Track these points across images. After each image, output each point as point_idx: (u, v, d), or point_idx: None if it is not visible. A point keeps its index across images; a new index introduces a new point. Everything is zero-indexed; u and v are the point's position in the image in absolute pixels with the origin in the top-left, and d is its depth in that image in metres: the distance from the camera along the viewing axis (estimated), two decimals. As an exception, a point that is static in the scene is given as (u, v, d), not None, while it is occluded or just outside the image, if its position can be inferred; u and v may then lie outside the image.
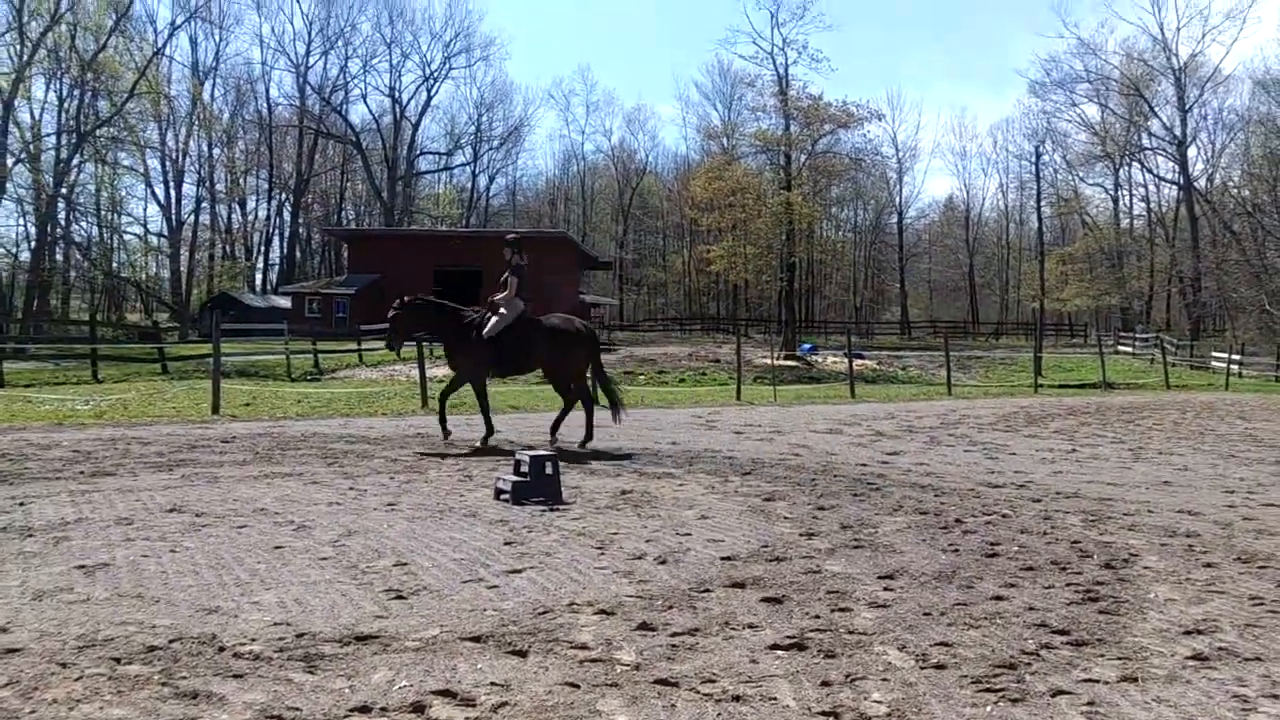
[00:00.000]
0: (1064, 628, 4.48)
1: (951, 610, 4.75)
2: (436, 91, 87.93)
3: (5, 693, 3.49)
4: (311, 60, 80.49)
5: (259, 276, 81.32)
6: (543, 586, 5.09)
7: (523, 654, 4.01)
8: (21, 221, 59.50)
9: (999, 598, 5.00)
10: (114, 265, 67.94)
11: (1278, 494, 9.05)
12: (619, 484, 8.74)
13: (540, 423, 14.86)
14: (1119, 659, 4.07)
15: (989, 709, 3.53)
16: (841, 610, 4.73)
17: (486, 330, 11.70)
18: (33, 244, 54.66)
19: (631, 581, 5.23)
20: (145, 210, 73.28)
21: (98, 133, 52.86)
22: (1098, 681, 3.80)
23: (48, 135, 53.66)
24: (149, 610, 4.53)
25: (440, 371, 28.69)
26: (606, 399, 12.58)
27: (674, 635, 4.28)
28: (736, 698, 3.58)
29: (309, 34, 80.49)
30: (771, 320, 65.82)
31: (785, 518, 7.22)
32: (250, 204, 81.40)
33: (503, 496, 7.63)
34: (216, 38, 74.62)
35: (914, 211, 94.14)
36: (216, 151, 73.56)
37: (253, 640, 4.10)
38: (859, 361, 33.21)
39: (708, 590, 5.07)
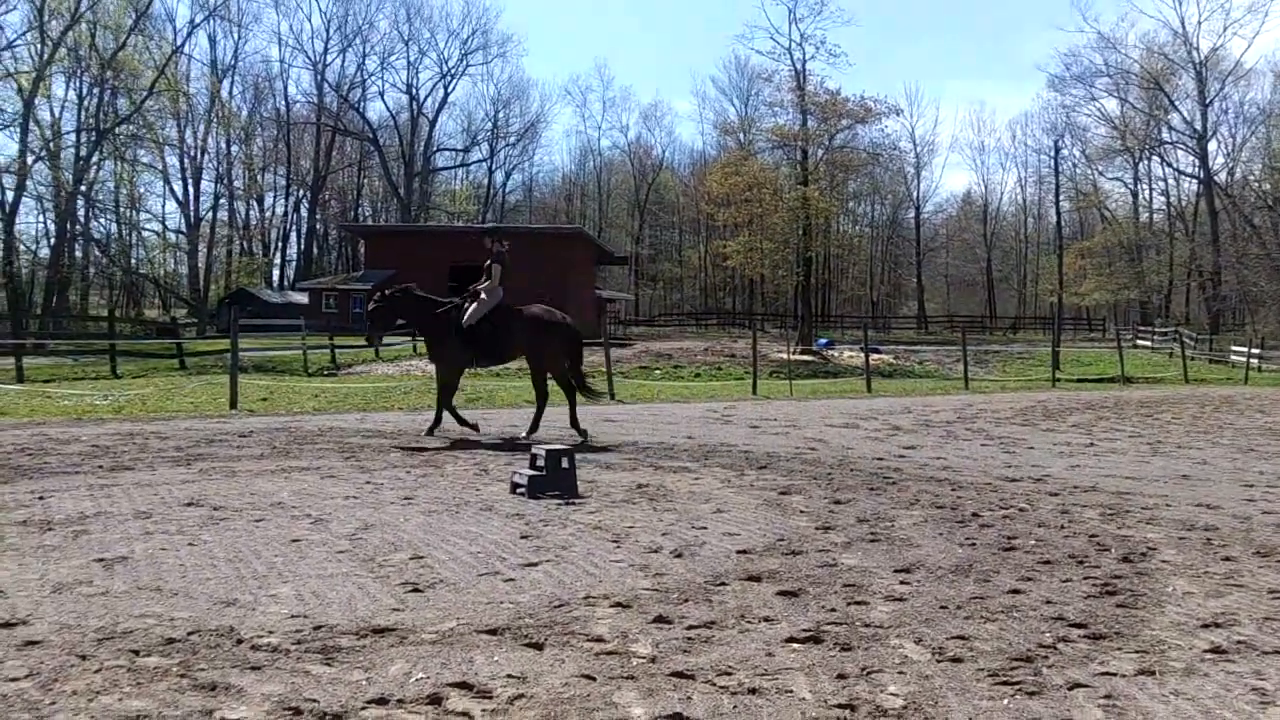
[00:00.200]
0: (1081, 621, 4.46)
1: (968, 604, 4.74)
2: (454, 88, 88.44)
3: (26, 684, 3.51)
4: (329, 58, 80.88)
5: (276, 272, 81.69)
6: (559, 580, 5.10)
7: (539, 646, 4.02)
8: (41, 218, 59.97)
9: (1016, 591, 4.99)
10: (133, 261, 68.32)
11: (1298, 488, 8.99)
12: (635, 478, 8.75)
13: (554, 417, 14.88)
14: (1137, 652, 4.05)
15: (1006, 702, 3.52)
16: (858, 603, 4.72)
17: (466, 318, 11.71)
18: (52, 241, 55.00)
19: (647, 575, 5.24)
20: (164, 207, 73.95)
21: (117, 130, 53.11)
22: (1115, 675, 3.79)
23: (68, 133, 53.98)
24: (167, 603, 4.56)
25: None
26: (580, 391, 12.50)
27: (690, 628, 4.28)
28: (752, 690, 3.58)
29: (327, 32, 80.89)
30: (787, 315, 65.76)
31: (801, 511, 7.22)
32: (268, 200, 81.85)
33: (519, 490, 7.64)
34: (235, 36, 75.07)
35: (931, 206, 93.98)
36: (235, 148, 73.93)
37: (270, 633, 4.12)
38: (875, 356, 33.15)
39: (723, 583, 5.07)
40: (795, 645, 4.08)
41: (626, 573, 5.28)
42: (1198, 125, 65.30)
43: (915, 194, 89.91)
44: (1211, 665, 3.92)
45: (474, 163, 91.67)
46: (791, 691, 3.58)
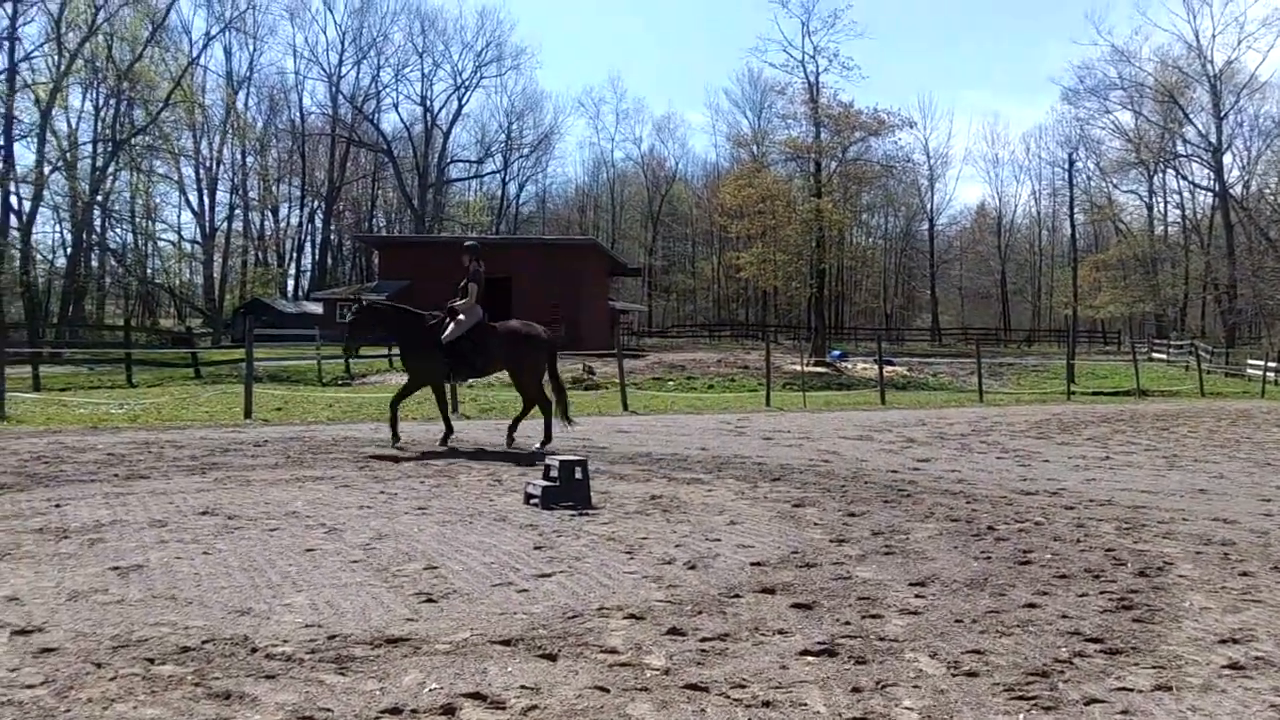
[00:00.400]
0: (1097, 636, 4.44)
1: (984, 617, 4.71)
2: (467, 100, 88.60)
3: (41, 691, 3.52)
4: (344, 70, 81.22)
5: (291, 283, 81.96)
6: (572, 591, 5.10)
7: (552, 658, 4.01)
8: (58, 228, 60.35)
9: (1032, 605, 4.96)
10: (148, 271, 68.60)
11: (1316, 503, 8.93)
12: (648, 489, 8.74)
13: (568, 427, 14.89)
14: (1153, 668, 4.03)
15: (1021, 717, 3.50)
16: (872, 617, 4.70)
17: (445, 336, 11.81)
18: (69, 250, 55.29)
19: (661, 586, 5.23)
20: (179, 217, 74.01)
21: (133, 141, 53.40)
22: (1132, 690, 3.76)
23: (84, 144, 54.29)
24: (182, 611, 4.57)
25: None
26: (556, 403, 12.50)
27: (704, 640, 4.27)
28: (767, 703, 3.57)
29: (342, 44, 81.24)
30: (801, 326, 65.71)
31: (815, 524, 7.20)
32: (283, 211, 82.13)
33: (532, 501, 7.64)
34: (250, 48, 75.40)
35: (945, 218, 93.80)
36: (250, 159, 74.20)
37: (285, 642, 4.13)
38: (889, 368, 33.07)
39: (737, 596, 5.06)
40: (809, 658, 4.06)
41: (640, 584, 5.27)
42: (1213, 138, 65.10)
43: (929, 206, 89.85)
44: (1229, 681, 3.89)
45: (487, 174, 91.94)
46: (806, 705, 3.56)
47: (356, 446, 11.69)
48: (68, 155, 51.00)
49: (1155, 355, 51.66)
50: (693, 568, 5.66)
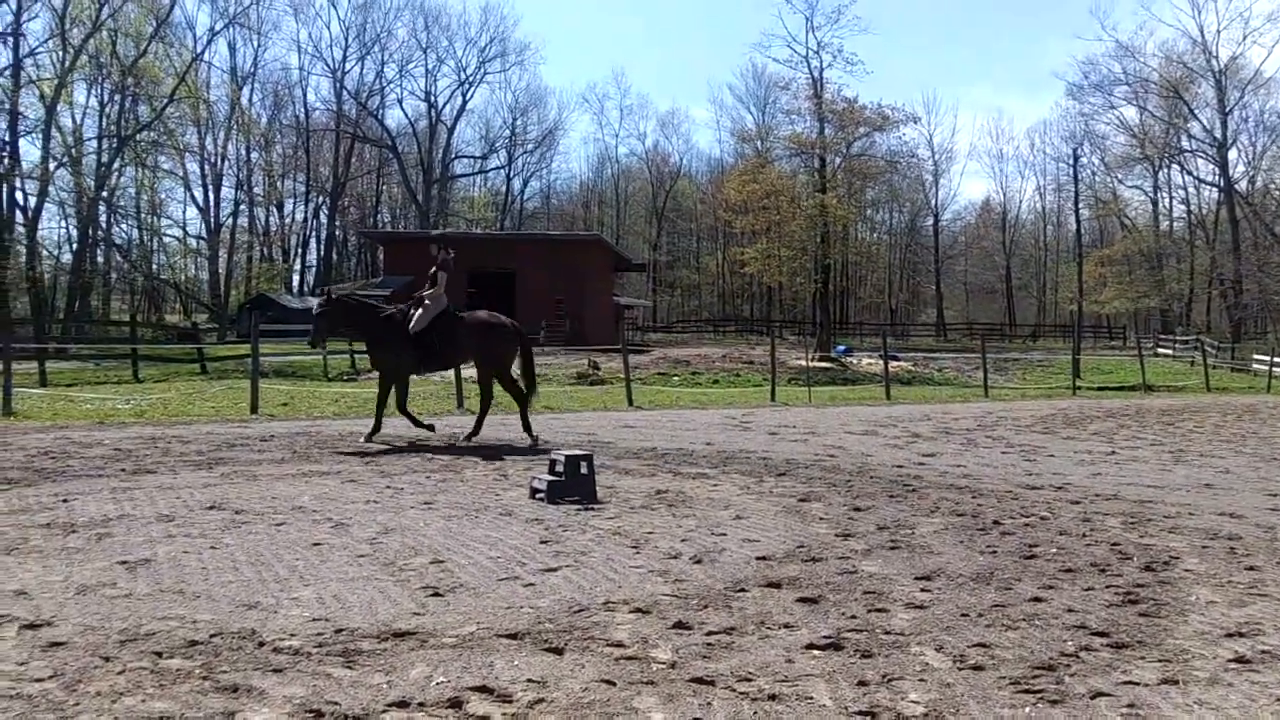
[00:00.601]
0: (1104, 630, 4.44)
1: (989, 611, 4.72)
2: (471, 96, 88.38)
3: (51, 685, 3.54)
4: (348, 65, 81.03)
5: (296, 278, 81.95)
6: (578, 585, 5.11)
7: (559, 651, 4.02)
8: (64, 224, 60.25)
9: (1038, 599, 4.96)
10: (154, 267, 68.60)
11: (1322, 497, 8.92)
12: (654, 484, 8.75)
13: (574, 422, 14.90)
14: (1160, 661, 4.03)
15: (1027, 710, 3.50)
16: (878, 611, 4.71)
17: (412, 325, 11.79)
18: (74, 246, 55.29)
19: (667, 580, 5.24)
20: (184, 213, 74.03)
21: (138, 137, 53.37)
22: (1138, 684, 3.77)
23: (89, 140, 54.21)
24: (190, 605, 4.58)
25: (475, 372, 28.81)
26: (524, 394, 12.57)
27: (710, 634, 4.28)
28: (773, 697, 3.57)
29: (346, 39, 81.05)
30: (806, 322, 65.70)
31: (821, 518, 7.20)
32: (288, 207, 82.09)
33: (538, 495, 7.66)
34: (255, 43, 75.23)
35: (950, 214, 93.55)
36: (255, 155, 74.13)
37: (292, 635, 4.14)
38: (894, 363, 33.03)
39: (743, 590, 5.07)
40: (816, 652, 4.07)
41: (646, 578, 5.28)
42: (1218, 133, 64.89)
43: (934, 201, 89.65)
44: (1235, 675, 3.90)
45: (492, 170, 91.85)
46: (812, 698, 3.57)
47: (362, 441, 11.69)
48: (73, 151, 50.98)
49: (1161, 350, 51.56)
50: (698, 562, 5.67)
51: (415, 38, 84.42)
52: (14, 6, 46.04)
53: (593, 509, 7.35)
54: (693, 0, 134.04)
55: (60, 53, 48.96)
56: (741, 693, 3.60)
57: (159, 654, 3.88)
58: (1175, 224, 75.28)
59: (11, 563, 5.35)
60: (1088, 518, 7.44)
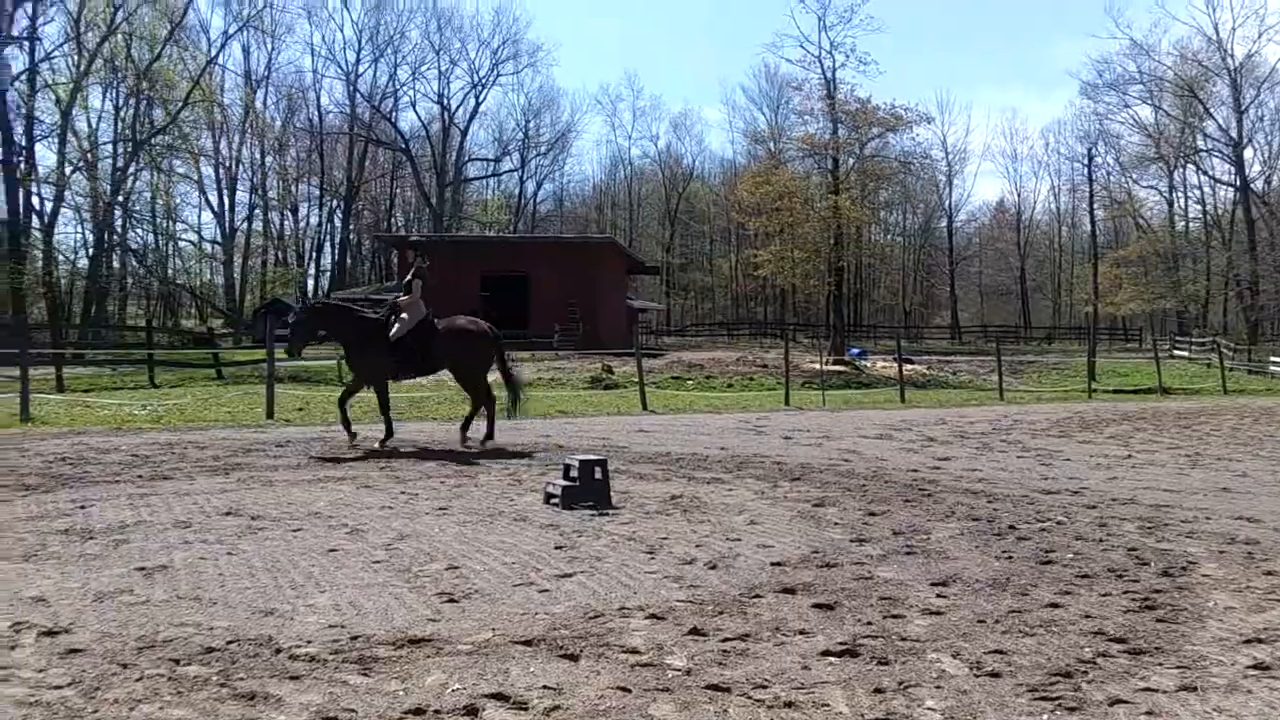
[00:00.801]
0: (1121, 636, 4.42)
1: (1006, 618, 4.70)
2: (484, 98, 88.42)
3: (69, 692, 3.56)
4: (361, 68, 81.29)
5: (311, 282, 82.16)
6: (593, 591, 5.11)
7: (574, 658, 4.03)
8: (80, 229, 60.53)
9: (1054, 605, 4.94)
10: (169, 272, 68.91)
11: (1341, 501, 8.86)
12: (668, 489, 8.75)
13: (588, 427, 14.91)
14: (1178, 668, 4.01)
15: (1045, 718, 3.49)
16: (894, 617, 4.69)
17: (392, 334, 11.82)
18: (90, 251, 55.60)
19: (682, 586, 5.23)
20: (199, 217, 74.12)
21: (153, 141, 53.63)
22: (1156, 690, 3.75)
23: (104, 144, 54.47)
24: (207, 612, 4.60)
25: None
26: (509, 397, 12.75)
27: (725, 640, 4.28)
28: (789, 704, 3.57)
29: (359, 42, 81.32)
30: (819, 325, 65.50)
31: (836, 523, 7.19)
32: (302, 211, 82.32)
33: (552, 501, 7.66)
34: (268, 47, 75.48)
35: (964, 215, 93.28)
36: (269, 159, 74.37)
37: (308, 642, 4.15)
38: (909, 366, 32.95)
39: (758, 596, 5.06)
40: (831, 658, 4.06)
41: (661, 584, 5.28)
42: (1233, 132, 64.56)
43: (947, 202, 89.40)
44: (1255, 681, 3.87)
45: (505, 172, 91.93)
46: (828, 705, 3.57)
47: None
48: (88, 155, 51.25)
49: (1177, 353, 51.25)
50: (713, 568, 5.67)
51: (428, 40, 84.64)
52: (30, 10, 46.33)
53: (607, 514, 7.35)
54: (705, 1, 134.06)
55: (75, 57, 49.26)
56: (757, 700, 3.60)
57: (176, 661, 3.90)
58: (1191, 224, 74.91)
59: (30, 569, 5.38)
60: (1104, 522, 7.41)
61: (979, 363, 41.83)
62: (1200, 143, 68.17)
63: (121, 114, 56.63)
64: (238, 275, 69.53)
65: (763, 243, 53.20)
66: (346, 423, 11.99)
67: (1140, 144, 70.85)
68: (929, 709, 3.54)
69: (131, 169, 54.30)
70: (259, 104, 72.68)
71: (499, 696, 3.59)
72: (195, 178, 66.20)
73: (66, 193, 49.74)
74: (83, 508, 7.30)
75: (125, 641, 4.13)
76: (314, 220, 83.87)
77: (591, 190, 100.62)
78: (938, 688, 3.75)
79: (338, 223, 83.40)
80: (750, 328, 78.74)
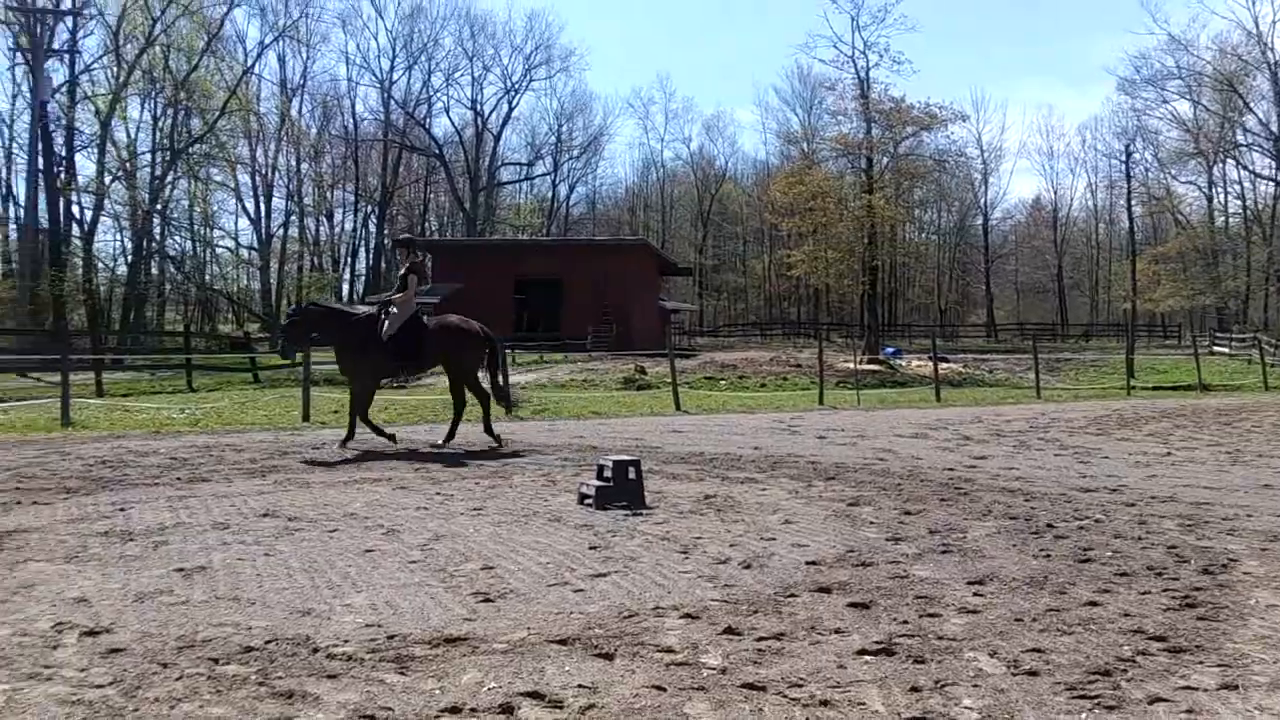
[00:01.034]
0: (1161, 634, 4.37)
1: (1044, 616, 4.66)
2: (517, 103, 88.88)
3: (110, 691, 3.60)
4: (396, 75, 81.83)
5: (346, 287, 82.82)
6: (628, 590, 5.11)
7: (609, 657, 4.03)
8: (119, 236, 61.32)
9: (1093, 603, 4.90)
10: (207, 278, 69.67)
11: (1386, 498, 8.71)
12: (701, 489, 8.74)
13: (621, 427, 14.92)
14: (1219, 666, 3.96)
15: (1084, 716, 3.46)
16: (930, 616, 4.66)
17: (385, 331, 11.81)
18: (129, 258, 56.27)
19: (716, 586, 5.23)
20: (236, 224, 75.13)
21: (191, 150, 54.21)
22: (1196, 689, 3.70)
23: (143, 153, 55.15)
24: (245, 612, 4.65)
25: (523, 378, 28.92)
26: (498, 398, 12.82)
27: (760, 640, 4.27)
28: (824, 703, 3.56)
29: (393, 50, 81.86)
30: (853, 324, 65.20)
31: (871, 522, 7.16)
32: (337, 216, 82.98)
33: (586, 501, 7.67)
34: (304, 56, 76.12)
35: (1000, 212, 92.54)
36: (304, 166, 75.00)
37: (345, 641, 4.18)
38: (944, 365, 32.75)
39: (793, 595, 5.04)
40: (867, 657, 4.04)
41: (695, 584, 5.27)
42: (1274, 127, 63.63)
43: (983, 200, 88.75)
44: (1298, 680, 3.82)
45: (538, 176, 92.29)
46: (864, 704, 3.55)
47: (412, 448, 11.79)
48: (127, 165, 51.87)
49: (1217, 349, 50.62)
50: (748, 567, 5.66)
51: (461, 46, 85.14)
52: (70, 24, 47.00)
53: (641, 514, 7.36)
54: (737, 3, 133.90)
55: (114, 68, 49.90)
56: (793, 699, 3.59)
57: (215, 660, 3.94)
58: (1231, 219, 73.90)
59: (72, 570, 5.45)
60: (1143, 520, 7.33)
61: (1015, 361, 41.52)
62: (1240, 137, 67.34)
63: (160, 124, 57.35)
64: (274, 281, 70.09)
65: (796, 243, 53.05)
66: (378, 430, 12.06)
67: (1179, 139, 70.06)
68: (966, 708, 3.52)
69: (169, 177, 54.90)
70: (294, 112, 73.41)
71: (534, 695, 3.60)
72: (232, 185, 66.95)
73: (106, 201, 50.44)
74: (122, 510, 7.38)
75: (165, 641, 4.18)
76: (349, 226, 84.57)
77: (624, 193, 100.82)
78: (975, 686, 3.72)
79: (372, 228, 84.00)
80: (784, 328, 78.58)
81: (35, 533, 6.48)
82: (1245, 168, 69.88)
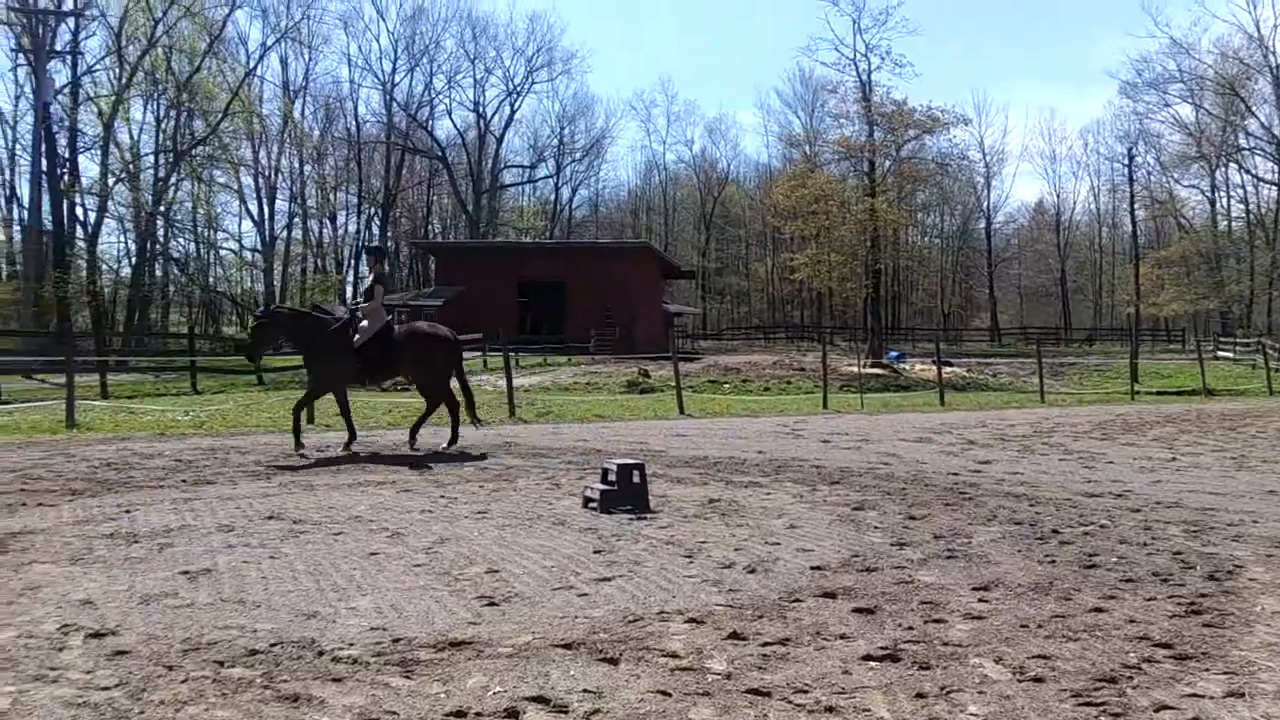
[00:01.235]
0: (1167, 641, 4.36)
1: (1049, 622, 4.65)
2: (519, 106, 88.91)
3: (116, 693, 3.60)
4: (398, 78, 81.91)
5: (349, 289, 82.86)
6: (632, 594, 5.11)
7: (614, 661, 4.03)
8: (122, 238, 61.53)
9: (1098, 610, 4.89)
10: (210, 280, 69.74)
11: (1391, 504, 8.70)
12: (706, 493, 8.73)
13: (625, 431, 14.93)
14: (1225, 673, 3.95)
15: (1090, 723, 3.45)
16: (935, 621, 4.66)
17: (357, 340, 11.80)
18: (133, 260, 56.31)
19: (721, 590, 5.22)
20: (240, 226, 75.15)
21: (194, 152, 54.23)
22: (1203, 697, 3.69)
23: (146, 155, 55.22)
24: (250, 615, 4.65)
25: (526, 380, 28.94)
26: (464, 402, 12.71)
27: (765, 645, 4.26)
28: (830, 709, 3.55)
29: (395, 52, 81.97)
30: (857, 327, 65.27)
31: (876, 527, 7.15)
32: (340, 219, 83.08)
33: (591, 505, 7.67)
34: (306, 58, 76.27)
35: (1002, 216, 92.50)
36: (307, 168, 75.21)
37: (351, 645, 4.18)
38: (948, 369, 32.75)
39: (798, 600, 5.04)
40: (872, 663, 4.04)
41: (700, 588, 5.27)
42: (1276, 130, 63.60)
43: (985, 204, 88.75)
44: (1305, 687, 3.81)
45: (541, 179, 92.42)
46: (869, 710, 3.54)
47: (415, 451, 11.79)
48: (130, 166, 51.94)
49: (1221, 353, 50.61)
50: (753, 572, 5.65)
51: (463, 49, 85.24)
52: (72, 25, 47.07)
53: (645, 518, 7.35)
54: (739, 5, 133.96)
55: (117, 70, 49.96)
56: (798, 704, 3.58)
57: (221, 663, 3.94)
58: (1234, 223, 73.91)
59: (77, 572, 5.45)
60: (1149, 526, 7.32)
61: (1019, 365, 41.51)
62: (1242, 141, 67.35)
63: (162, 125, 57.43)
64: (278, 282, 70.24)
65: (799, 246, 53.16)
66: (297, 431, 11.92)
67: (1181, 143, 70.07)
68: (971, 714, 3.51)
69: (173, 179, 54.92)
70: (297, 114, 73.59)
71: (539, 699, 3.60)
72: (235, 187, 67.11)
73: (109, 203, 50.56)
74: (128, 512, 7.39)
75: (170, 644, 4.18)
76: (352, 228, 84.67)
77: (626, 195, 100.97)
78: (980, 693, 3.71)
79: (375, 230, 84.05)
80: (787, 331, 78.63)
81: (41, 534, 6.49)
82: (1248, 171, 69.93)
